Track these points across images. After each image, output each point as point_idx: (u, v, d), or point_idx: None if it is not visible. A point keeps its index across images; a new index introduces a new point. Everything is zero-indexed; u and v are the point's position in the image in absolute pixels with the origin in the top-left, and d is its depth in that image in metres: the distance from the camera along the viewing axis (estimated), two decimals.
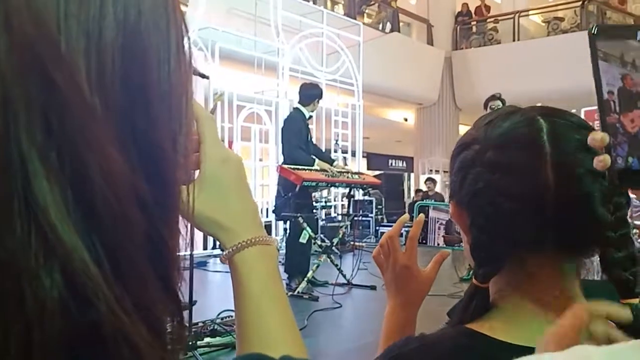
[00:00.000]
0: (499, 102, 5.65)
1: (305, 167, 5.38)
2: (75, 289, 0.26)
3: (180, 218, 0.38)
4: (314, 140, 5.87)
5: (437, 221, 0.94)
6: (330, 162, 5.81)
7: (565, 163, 0.65)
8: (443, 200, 11.55)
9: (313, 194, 6.00)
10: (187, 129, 0.35)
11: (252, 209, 0.56)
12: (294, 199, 5.49)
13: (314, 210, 6.19)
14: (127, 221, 0.29)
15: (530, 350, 0.61)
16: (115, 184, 0.28)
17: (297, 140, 5.49)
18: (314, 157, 5.54)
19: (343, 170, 5.86)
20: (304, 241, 5.39)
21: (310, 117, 5.68)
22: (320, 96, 5.68)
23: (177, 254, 0.34)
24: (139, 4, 0.31)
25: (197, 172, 0.54)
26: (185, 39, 0.35)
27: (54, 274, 0.26)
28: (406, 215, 0.96)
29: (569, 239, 0.66)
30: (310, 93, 5.68)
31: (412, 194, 14.09)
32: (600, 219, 0.63)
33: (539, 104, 0.80)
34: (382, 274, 0.92)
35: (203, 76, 4.04)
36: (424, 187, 12.30)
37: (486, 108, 5.72)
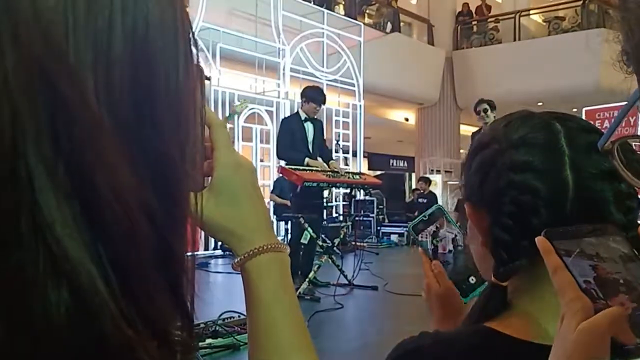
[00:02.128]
0: (485, 105, 6.08)
1: (306, 168, 5.39)
2: (81, 304, 0.26)
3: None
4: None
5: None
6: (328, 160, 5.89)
7: (582, 164, 0.67)
8: (436, 200, 11.65)
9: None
10: (195, 138, 0.35)
11: (264, 215, 0.56)
12: (296, 199, 5.50)
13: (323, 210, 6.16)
14: (136, 234, 0.28)
15: (548, 349, 0.61)
16: (123, 197, 0.28)
17: (286, 140, 5.58)
18: (306, 156, 5.55)
19: (336, 170, 5.81)
20: (305, 242, 5.40)
21: (307, 118, 5.68)
22: (312, 99, 5.66)
23: (185, 262, 0.34)
24: (147, 15, 0.31)
25: (209, 179, 0.53)
26: (194, 49, 0.35)
27: (61, 289, 0.26)
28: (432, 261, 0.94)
29: None
30: (304, 93, 5.77)
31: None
32: (615, 220, 0.65)
33: (539, 104, 0.81)
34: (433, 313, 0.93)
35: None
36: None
37: (477, 112, 6.16)
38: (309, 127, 5.69)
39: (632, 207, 0.66)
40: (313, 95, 5.69)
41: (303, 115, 5.68)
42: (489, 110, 6.05)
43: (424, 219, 0.92)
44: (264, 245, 0.53)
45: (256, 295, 0.52)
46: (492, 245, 0.70)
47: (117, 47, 0.29)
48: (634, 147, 0.49)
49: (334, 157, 6.50)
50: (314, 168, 5.48)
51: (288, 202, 5.99)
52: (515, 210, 0.67)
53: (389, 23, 13.92)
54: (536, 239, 0.54)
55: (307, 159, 5.52)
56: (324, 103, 5.79)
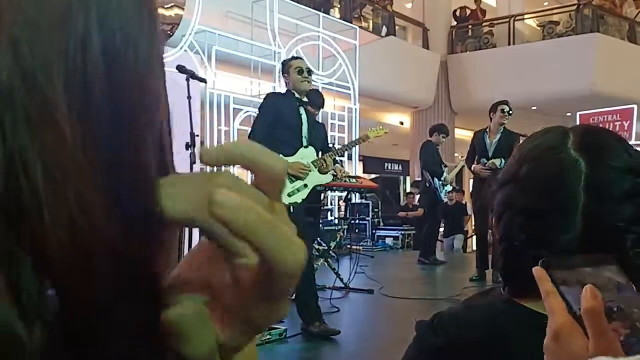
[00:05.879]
0: (505, 106, 6.24)
1: None
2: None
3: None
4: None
5: None
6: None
7: (599, 186, 0.69)
8: None
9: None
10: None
11: None
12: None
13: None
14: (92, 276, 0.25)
15: None
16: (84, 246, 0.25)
17: None
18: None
19: (339, 176, 5.81)
20: None
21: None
22: (311, 102, 5.66)
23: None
24: (123, 25, 0.28)
25: None
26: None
27: None
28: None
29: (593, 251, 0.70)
30: (309, 98, 5.77)
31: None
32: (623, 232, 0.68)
33: (534, 108, 0.83)
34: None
35: (201, 80, 4.06)
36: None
37: (495, 112, 6.31)
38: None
39: None
40: (312, 98, 5.68)
41: None
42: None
43: None
44: None
45: None
46: (500, 256, 0.77)
47: (93, 67, 0.26)
48: None
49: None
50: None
51: None
52: (524, 224, 0.72)
53: (384, 27, 13.95)
54: (533, 268, 0.56)
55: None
56: (323, 107, 5.78)
